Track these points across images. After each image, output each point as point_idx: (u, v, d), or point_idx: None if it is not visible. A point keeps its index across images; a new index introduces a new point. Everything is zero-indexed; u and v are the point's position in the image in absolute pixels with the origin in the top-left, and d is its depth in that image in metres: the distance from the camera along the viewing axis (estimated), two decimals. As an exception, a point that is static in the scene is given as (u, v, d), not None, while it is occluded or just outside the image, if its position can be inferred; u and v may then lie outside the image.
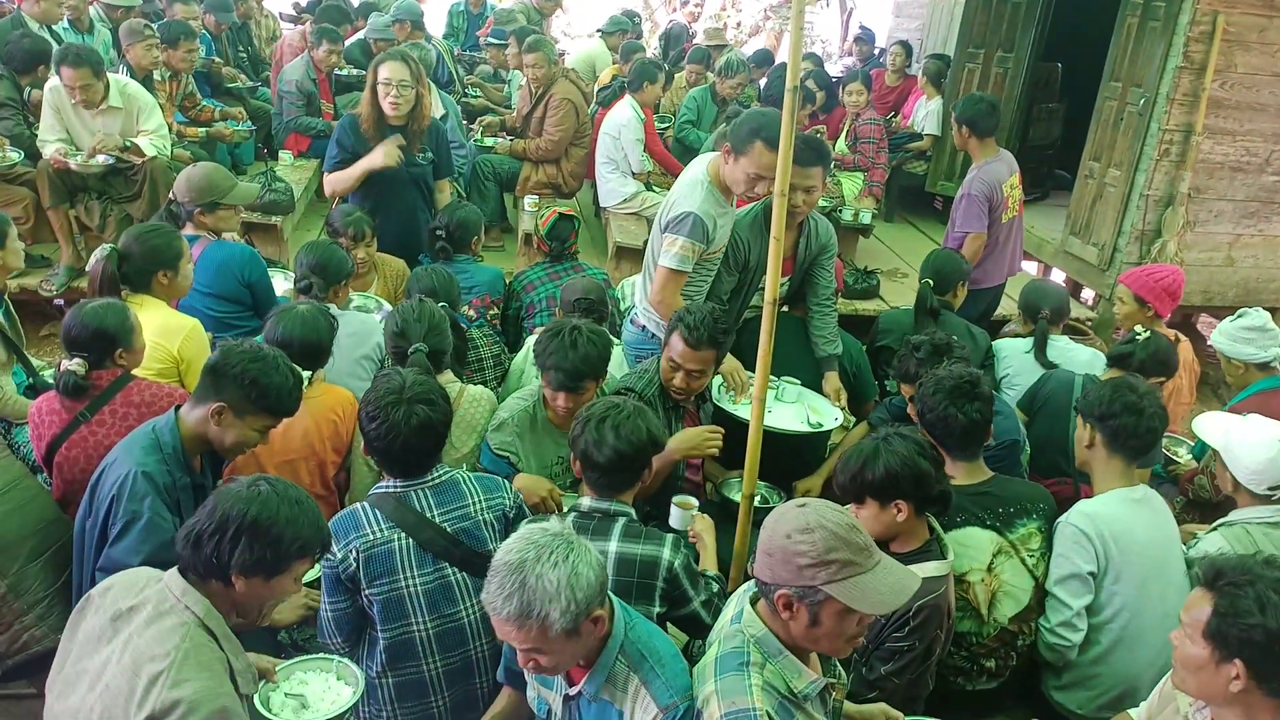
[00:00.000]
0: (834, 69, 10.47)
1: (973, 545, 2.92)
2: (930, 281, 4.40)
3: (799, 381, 3.96)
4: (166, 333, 3.48)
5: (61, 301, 5.34)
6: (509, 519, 2.69)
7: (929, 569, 2.61)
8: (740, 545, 3.06)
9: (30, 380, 3.89)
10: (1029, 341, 4.32)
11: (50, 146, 5.16)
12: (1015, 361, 4.31)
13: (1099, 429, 3.09)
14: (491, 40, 8.65)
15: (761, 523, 2.17)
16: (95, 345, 3.01)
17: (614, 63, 8.58)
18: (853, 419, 4.18)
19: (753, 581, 2.15)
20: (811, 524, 2.02)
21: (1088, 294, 7.44)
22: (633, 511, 2.67)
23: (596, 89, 8.00)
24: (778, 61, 9.18)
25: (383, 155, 4.64)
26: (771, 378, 3.78)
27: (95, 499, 2.63)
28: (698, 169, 3.75)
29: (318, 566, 2.96)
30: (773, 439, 3.29)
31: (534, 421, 3.32)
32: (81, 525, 2.69)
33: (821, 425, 3.76)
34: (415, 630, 2.57)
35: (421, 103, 4.74)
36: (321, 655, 2.48)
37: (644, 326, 3.95)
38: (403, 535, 2.55)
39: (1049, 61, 8.49)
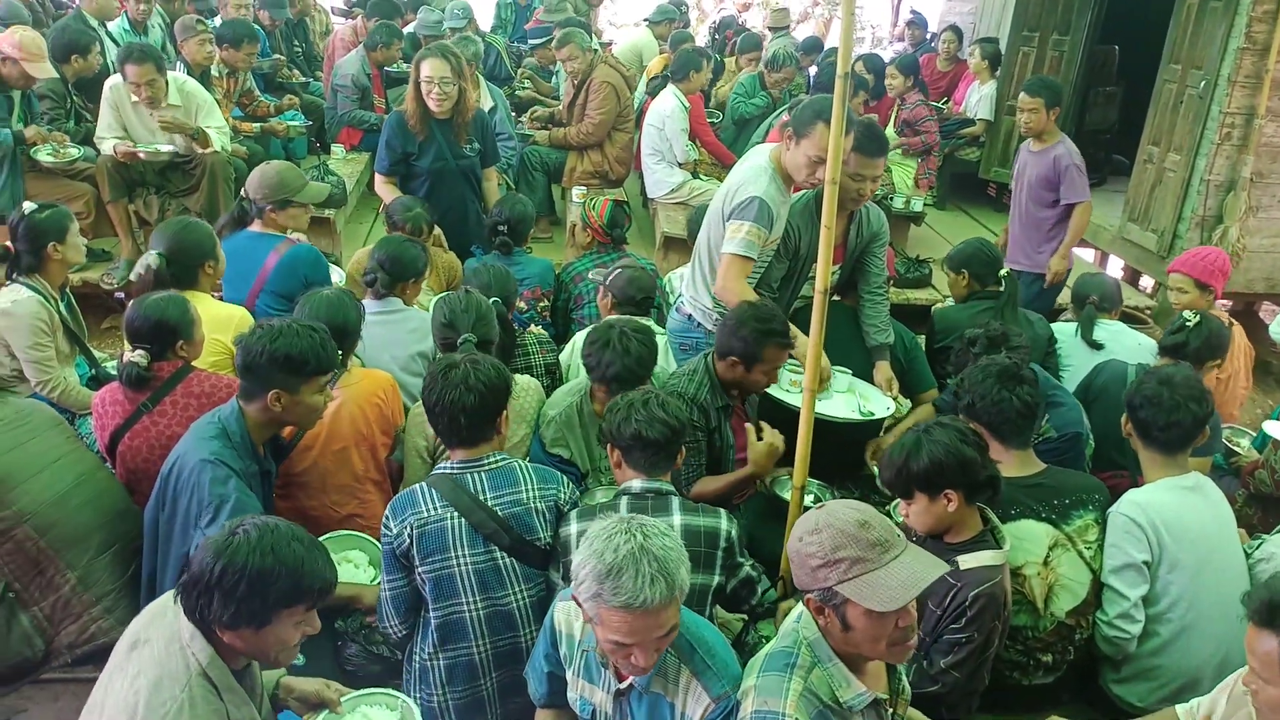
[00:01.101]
0: (885, 55, 10.34)
1: (1027, 538, 2.87)
2: (1009, 272, 4.35)
3: (850, 371, 3.93)
4: (218, 325, 3.54)
5: (122, 294, 5.44)
6: (561, 511, 2.71)
7: (984, 558, 2.59)
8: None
9: (93, 371, 4.00)
10: (1078, 325, 4.25)
11: (108, 143, 5.27)
12: (1065, 344, 4.25)
13: (1131, 420, 3.07)
14: (534, 40, 8.65)
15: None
16: (157, 337, 3.09)
17: (661, 52, 8.55)
18: (905, 406, 4.13)
19: None
20: (820, 524, 2.02)
21: (1146, 281, 7.28)
22: (678, 492, 2.76)
23: (646, 79, 7.99)
24: (828, 48, 9.10)
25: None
26: (837, 368, 3.81)
27: (168, 490, 2.68)
28: (760, 156, 3.72)
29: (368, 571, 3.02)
30: (823, 430, 3.27)
31: (581, 415, 3.35)
32: (154, 517, 2.75)
33: (872, 414, 3.73)
34: (465, 610, 2.60)
35: (465, 96, 4.77)
36: (388, 691, 2.45)
37: (690, 315, 3.94)
38: (455, 514, 2.59)
39: (1106, 44, 8.32)
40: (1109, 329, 4.21)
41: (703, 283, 3.89)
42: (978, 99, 8.19)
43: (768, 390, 3.68)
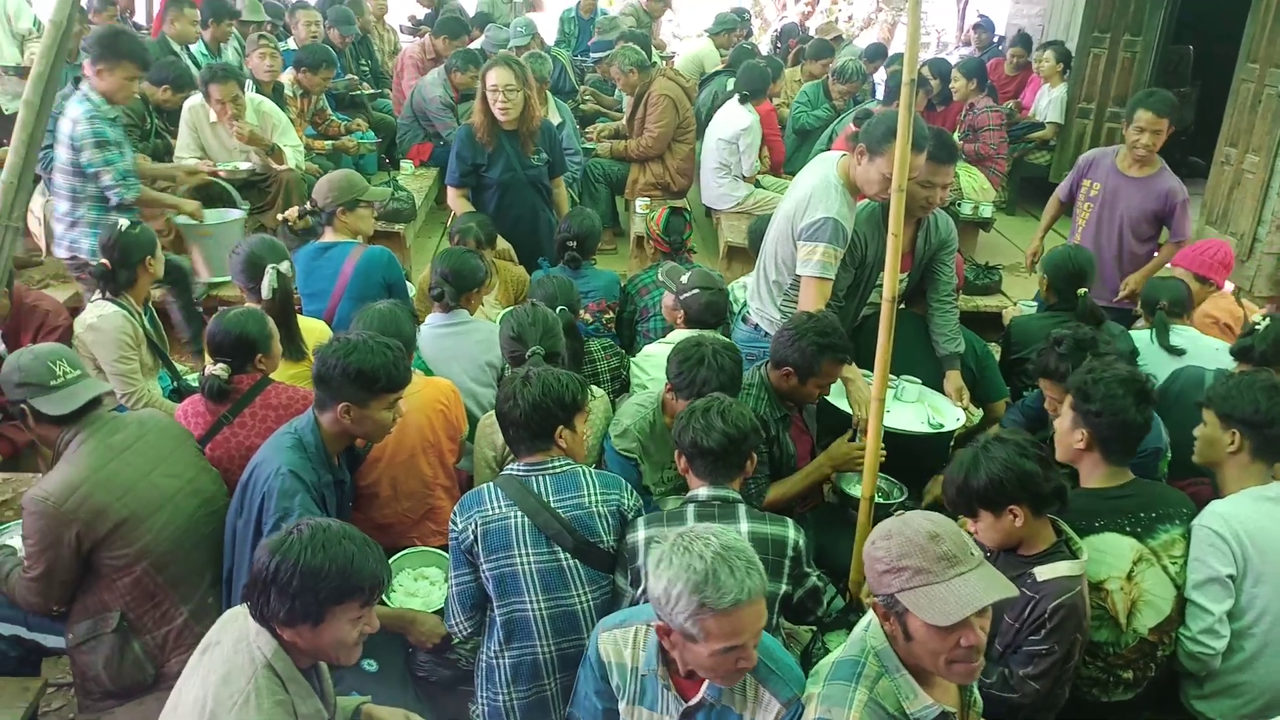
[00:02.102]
0: (951, 60, 10.23)
1: (1111, 551, 2.81)
2: (1085, 290, 4.18)
3: (919, 381, 3.89)
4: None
5: (201, 309, 5.61)
6: (625, 517, 2.73)
7: (1060, 569, 2.54)
8: (861, 546, 3.03)
9: (175, 384, 4.14)
10: (1153, 330, 4.13)
11: (187, 163, 5.45)
12: (1143, 350, 4.14)
13: (1247, 435, 2.92)
14: (596, 54, 8.74)
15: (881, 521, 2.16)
16: (237, 351, 3.18)
17: (722, 62, 8.57)
18: (977, 416, 4.07)
19: None
20: (892, 531, 2.02)
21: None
22: (744, 500, 2.75)
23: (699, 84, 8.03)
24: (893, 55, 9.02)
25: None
26: (891, 377, 3.75)
27: (247, 498, 2.76)
28: (827, 170, 3.69)
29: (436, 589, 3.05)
30: (892, 441, 3.25)
31: (653, 428, 3.36)
32: (233, 524, 2.83)
33: (942, 426, 3.68)
34: (529, 609, 2.63)
35: (530, 105, 4.83)
36: None
37: (756, 325, 3.93)
38: (519, 513, 2.64)
39: (1179, 44, 8.13)
40: (1184, 335, 4.09)
41: (768, 294, 3.89)
42: (1047, 102, 8.06)
43: (832, 400, 3.66)
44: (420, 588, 3.08)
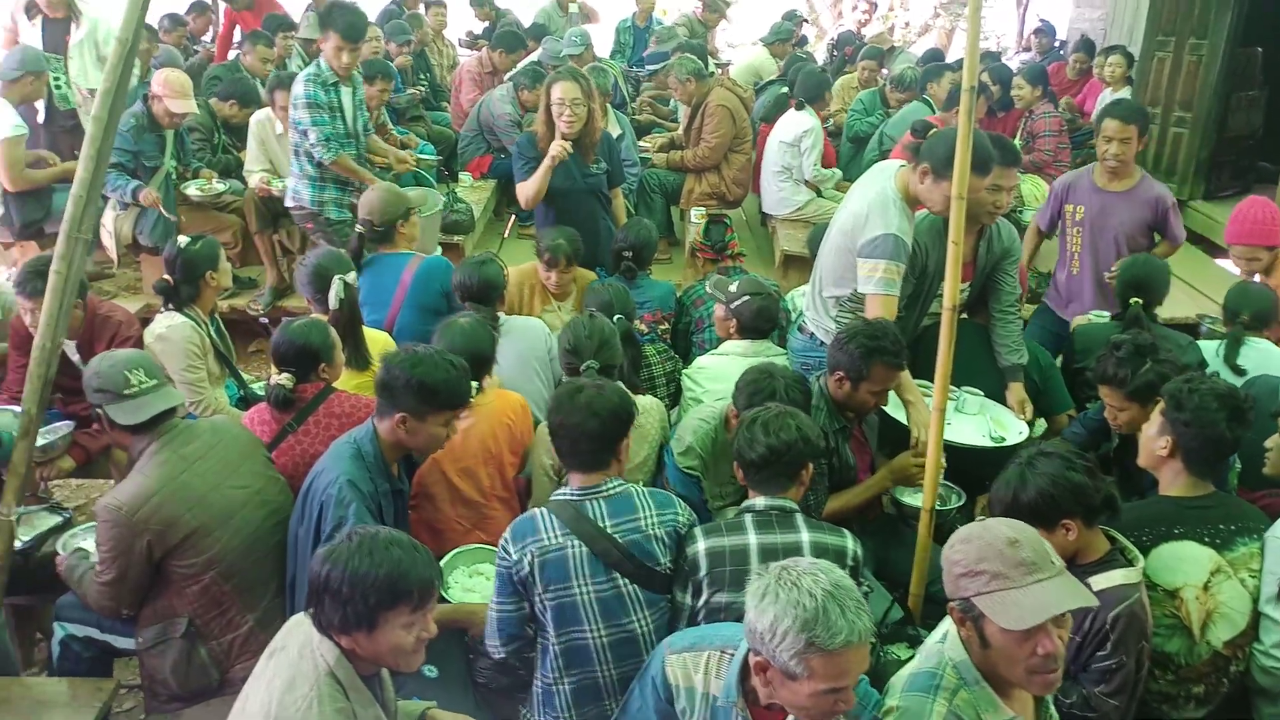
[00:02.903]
0: (1010, 65, 10.09)
1: (1189, 560, 2.74)
2: (1140, 300, 4.06)
3: (981, 392, 3.83)
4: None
5: (266, 319, 5.75)
6: (680, 536, 2.72)
7: (1116, 577, 2.50)
8: (921, 557, 3.00)
9: (241, 393, 4.22)
10: (1221, 344, 4.00)
11: (255, 176, 5.59)
12: (1210, 363, 4.02)
13: None
14: (652, 66, 8.77)
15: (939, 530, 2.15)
16: (301, 361, 3.25)
17: (777, 71, 8.56)
18: (1040, 429, 4.00)
19: None
20: (972, 535, 2.01)
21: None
22: (799, 509, 2.74)
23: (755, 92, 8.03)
24: (951, 61, 8.93)
25: (557, 150, 4.76)
26: (951, 388, 3.69)
27: (307, 505, 2.81)
28: (884, 183, 3.63)
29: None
30: (953, 452, 3.20)
31: (715, 444, 3.34)
32: (295, 531, 2.88)
33: (1004, 439, 3.62)
34: (589, 637, 2.62)
35: (594, 117, 4.88)
36: None
37: (812, 334, 3.90)
38: (577, 542, 2.60)
39: (1247, 46, 7.93)
40: (1258, 349, 3.95)
41: (823, 306, 3.85)
42: (1110, 107, 7.91)
43: (893, 413, 3.62)
44: (477, 584, 3.10)
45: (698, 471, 3.32)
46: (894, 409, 3.63)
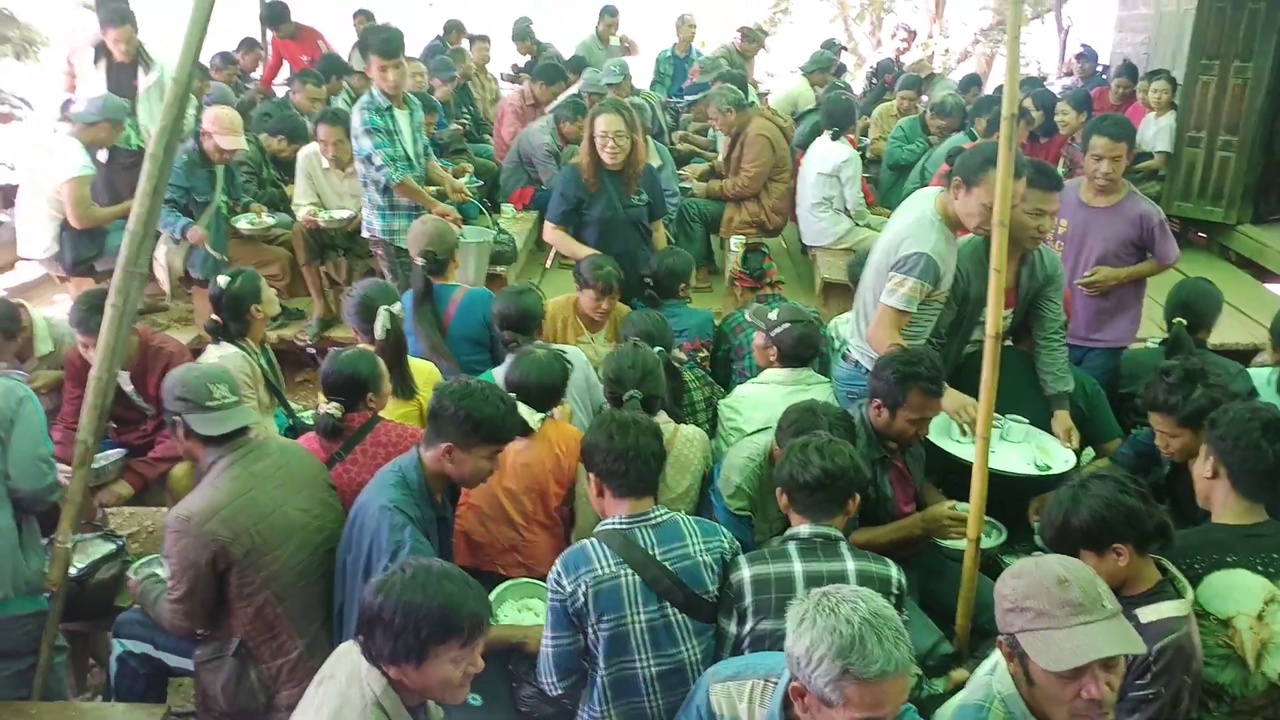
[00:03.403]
0: (1052, 90, 10.04)
1: (1241, 588, 2.67)
2: (1184, 321, 4.02)
3: (1026, 420, 3.79)
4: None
5: (314, 350, 5.84)
6: (726, 563, 2.72)
7: (1165, 609, 2.44)
8: (967, 591, 2.97)
9: (290, 421, 4.30)
10: (1274, 371, 3.93)
11: (303, 209, 5.71)
12: (1261, 391, 3.93)
13: None
14: (690, 97, 8.84)
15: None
16: (349, 390, 3.31)
17: (817, 101, 8.58)
18: (1089, 457, 3.94)
19: None
20: (1024, 570, 2.00)
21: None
22: (844, 537, 2.72)
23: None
24: (991, 88, 8.91)
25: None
26: (996, 416, 3.64)
27: (355, 533, 2.85)
28: (924, 205, 3.64)
29: None
30: (998, 482, 3.17)
31: (763, 482, 3.33)
32: (342, 559, 2.92)
33: (1050, 468, 3.58)
34: (638, 668, 2.61)
35: (636, 148, 4.94)
36: None
37: (857, 362, 3.87)
38: (630, 571, 2.61)
39: (1296, 67, 7.81)
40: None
41: (864, 327, 3.85)
42: (1154, 131, 7.84)
43: (936, 440, 3.59)
44: (525, 619, 3.12)
45: (747, 511, 3.31)
46: (936, 437, 3.61)
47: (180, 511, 2.79)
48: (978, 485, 2.86)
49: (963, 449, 3.48)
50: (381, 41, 5.04)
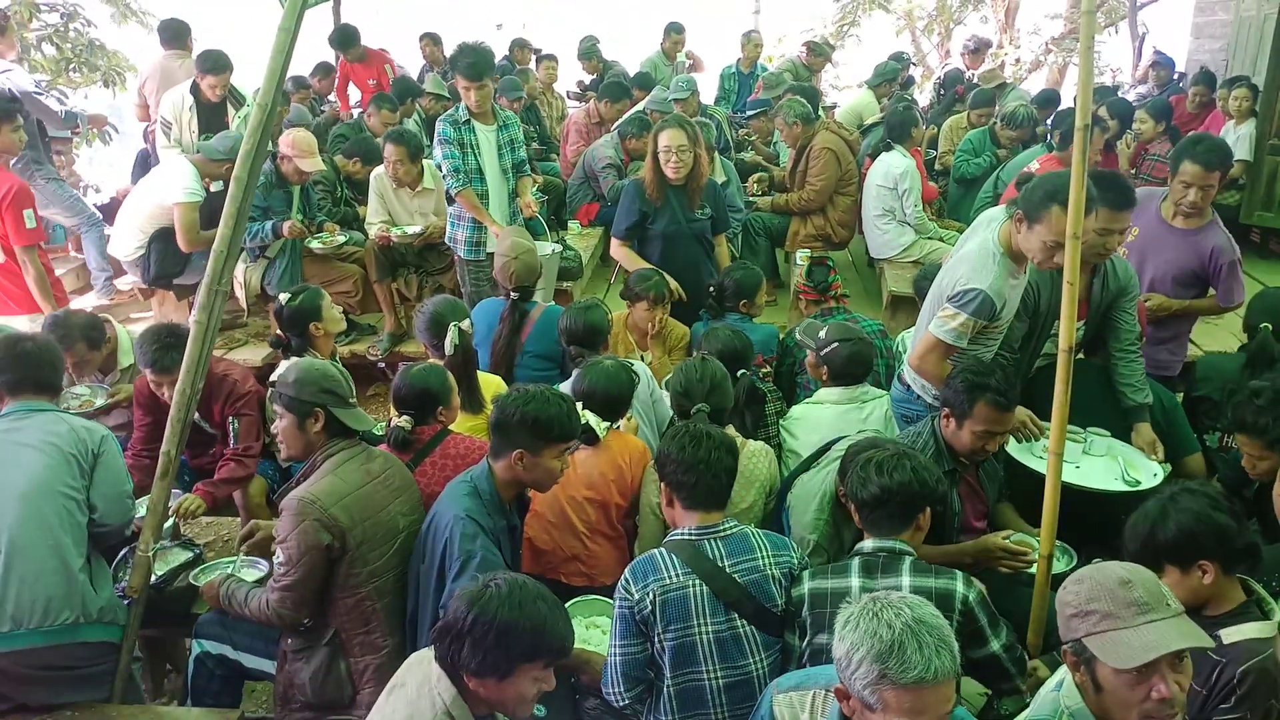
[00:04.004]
0: (1128, 98, 9.83)
1: None
2: (1269, 326, 3.91)
3: (1108, 433, 3.70)
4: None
5: (384, 364, 5.96)
6: (794, 578, 2.71)
7: (1249, 630, 2.37)
8: (1038, 608, 2.91)
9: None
10: None
11: (375, 227, 5.84)
12: None
13: None
14: (750, 114, 8.84)
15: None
16: (420, 404, 3.38)
17: (881, 113, 8.52)
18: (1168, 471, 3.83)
19: None
20: (1085, 576, 1.99)
21: None
22: (914, 551, 2.68)
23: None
24: (1065, 102, 8.75)
25: None
26: (1076, 429, 3.55)
27: (428, 544, 2.91)
28: (986, 234, 3.49)
29: None
30: (1077, 498, 3.10)
31: (838, 530, 3.30)
32: (415, 568, 2.98)
33: (1139, 483, 3.46)
34: (704, 679, 2.62)
35: (700, 163, 4.96)
36: None
37: (909, 386, 3.78)
38: (698, 581, 2.62)
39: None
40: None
41: None
42: (1234, 139, 7.61)
43: (1015, 455, 3.51)
44: (592, 635, 3.13)
45: (826, 539, 3.27)
46: (1020, 453, 3.54)
47: (303, 493, 2.85)
48: (1050, 501, 2.81)
49: (1044, 464, 3.40)
50: (468, 66, 5.22)
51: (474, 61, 5.24)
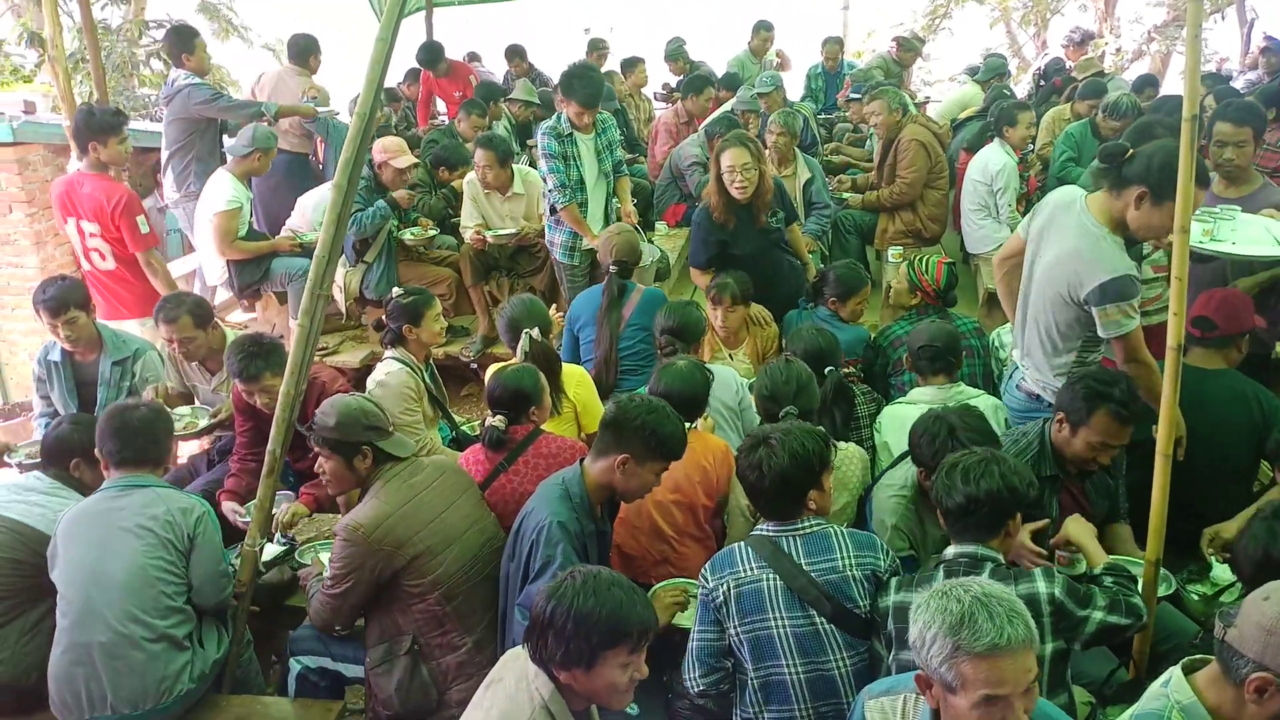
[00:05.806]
0: (1236, 86, 9.42)
1: None
2: None
3: (1237, 209, 3.63)
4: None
5: (477, 366, 6.05)
6: (880, 580, 2.67)
7: None
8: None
9: (454, 434, 4.48)
10: None
11: (469, 231, 5.95)
12: None
13: None
14: (852, 96, 8.76)
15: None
16: (514, 404, 3.44)
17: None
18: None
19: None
20: (1271, 593, 1.92)
21: None
22: (1000, 557, 2.60)
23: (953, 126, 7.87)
24: (1167, 87, 8.43)
25: None
26: (1209, 209, 3.68)
27: (518, 543, 2.96)
28: (1081, 220, 3.35)
29: None
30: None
31: (916, 509, 3.27)
32: (506, 566, 3.04)
33: None
34: (786, 673, 2.62)
35: (764, 179, 4.89)
36: None
37: (1033, 394, 3.65)
38: (772, 575, 2.64)
39: None
40: None
41: (1045, 364, 3.59)
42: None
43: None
44: (679, 619, 3.12)
45: (909, 551, 3.22)
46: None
47: (350, 520, 2.97)
48: (1159, 499, 2.72)
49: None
50: (586, 95, 5.29)
51: (593, 92, 5.31)
